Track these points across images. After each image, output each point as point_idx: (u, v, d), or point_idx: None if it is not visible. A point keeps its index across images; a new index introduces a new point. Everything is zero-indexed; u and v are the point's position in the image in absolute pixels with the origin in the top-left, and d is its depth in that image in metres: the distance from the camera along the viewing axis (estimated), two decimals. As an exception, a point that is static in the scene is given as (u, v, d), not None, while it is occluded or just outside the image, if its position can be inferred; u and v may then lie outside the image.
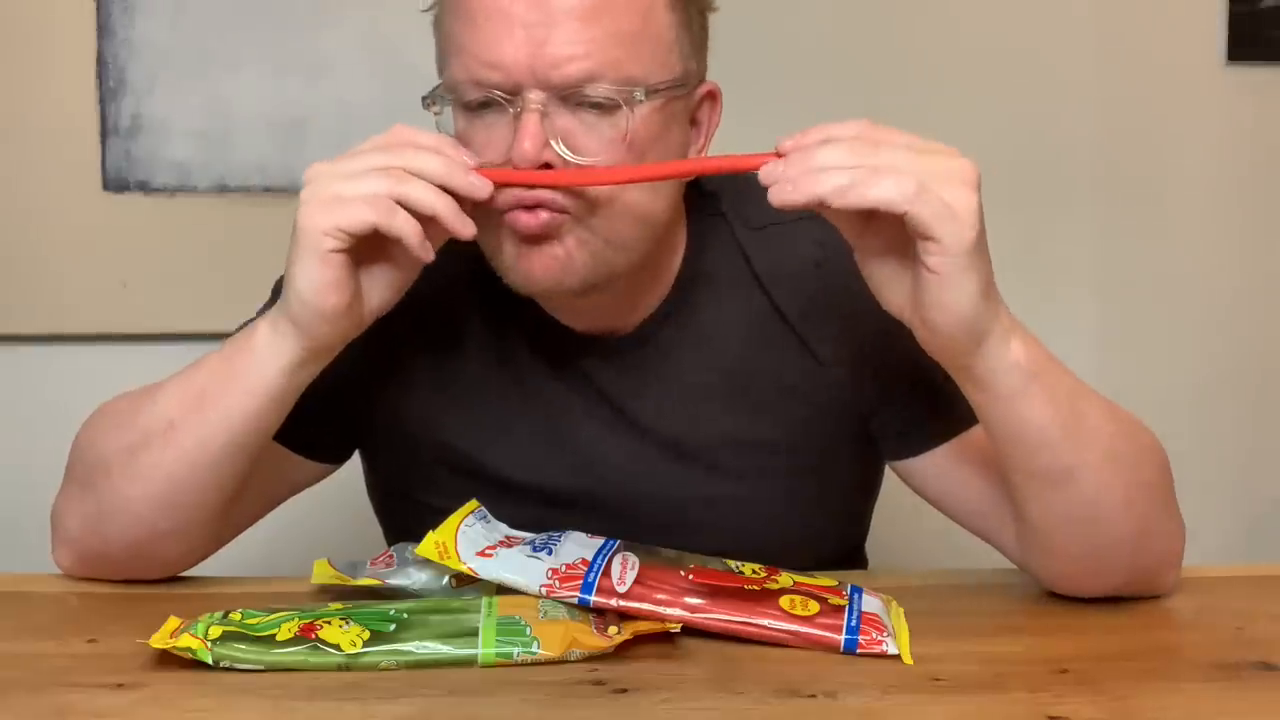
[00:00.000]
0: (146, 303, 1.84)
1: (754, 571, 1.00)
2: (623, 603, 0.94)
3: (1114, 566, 1.02)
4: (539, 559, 0.98)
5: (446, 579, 1.00)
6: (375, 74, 1.79)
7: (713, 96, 1.07)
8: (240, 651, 0.90)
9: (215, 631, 0.90)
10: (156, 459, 1.01)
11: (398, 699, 0.86)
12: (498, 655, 0.90)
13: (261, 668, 0.89)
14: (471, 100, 0.99)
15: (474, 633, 0.91)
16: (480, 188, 0.96)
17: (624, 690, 0.87)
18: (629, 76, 0.97)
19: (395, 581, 1.00)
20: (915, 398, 1.07)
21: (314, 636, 0.90)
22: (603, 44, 0.96)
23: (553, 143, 0.97)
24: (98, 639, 0.96)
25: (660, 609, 0.94)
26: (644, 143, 0.99)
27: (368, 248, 0.97)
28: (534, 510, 1.09)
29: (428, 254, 0.97)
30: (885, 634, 0.94)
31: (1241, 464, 2.01)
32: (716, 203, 1.12)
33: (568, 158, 0.97)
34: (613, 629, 0.93)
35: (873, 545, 1.27)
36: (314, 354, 1.00)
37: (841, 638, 0.94)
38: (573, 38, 0.96)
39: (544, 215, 0.98)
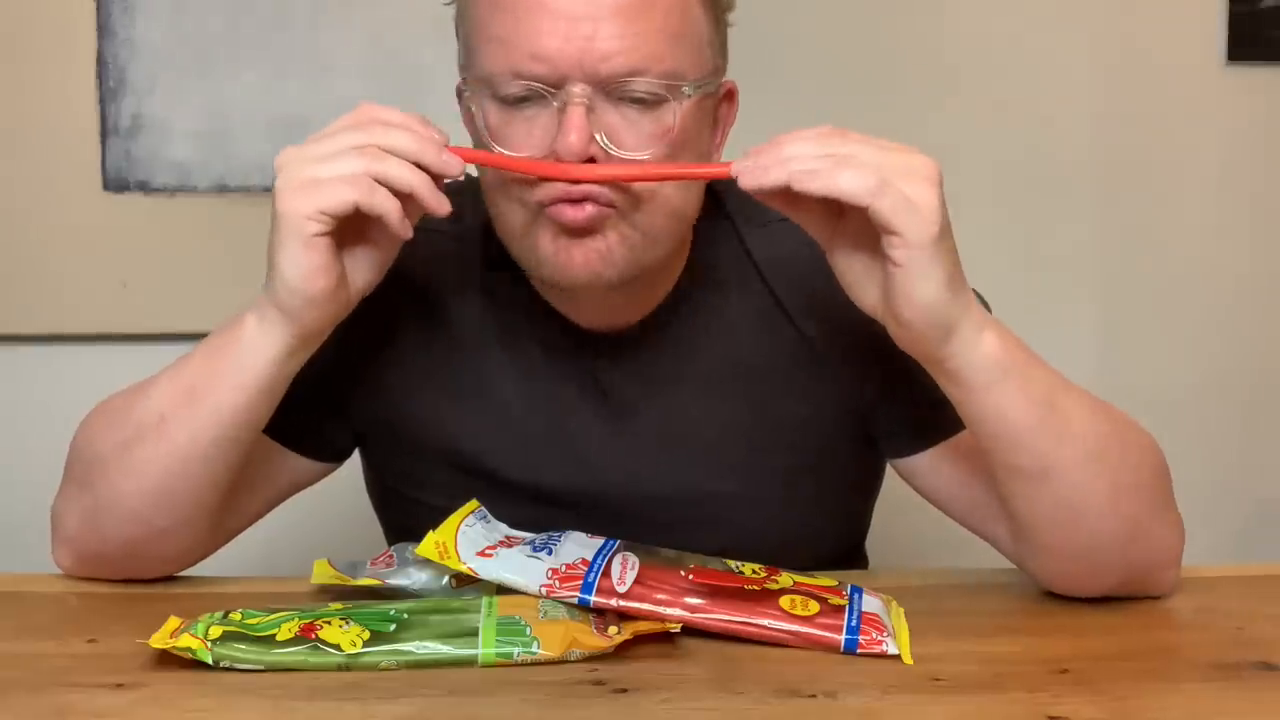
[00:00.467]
0: (146, 303, 1.84)
1: (754, 571, 1.00)
2: (623, 603, 0.94)
3: (1105, 566, 1.02)
4: (539, 559, 0.98)
5: (446, 579, 1.00)
6: (375, 74, 1.80)
7: (730, 95, 1.08)
8: (240, 651, 0.90)
9: (215, 631, 0.90)
10: (149, 453, 1.01)
11: (398, 699, 0.86)
12: (498, 655, 0.90)
13: (261, 668, 0.89)
14: (510, 93, 0.98)
15: (474, 633, 0.91)
16: (453, 165, 0.96)
17: (624, 690, 0.87)
18: (672, 71, 0.98)
19: (395, 581, 1.00)
20: (913, 396, 1.07)
21: (314, 636, 0.90)
22: (649, 38, 0.97)
23: (597, 136, 0.97)
24: (98, 639, 0.96)
25: (660, 609, 0.94)
26: (684, 138, 0.99)
27: (347, 229, 0.96)
28: (533, 506, 1.09)
29: (407, 231, 0.97)
30: (885, 634, 0.94)
31: (1241, 464, 2.01)
32: (721, 201, 1.12)
33: (612, 152, 0.97)
34: (613, 629, 0.93)
35: (873, 545, 1.27)
36: (303, 341, 0.99)
37: (841, 638, 0.94)
38: (620, 31, 0.96)
39: (590, 209, 0.98)
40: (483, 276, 1.12)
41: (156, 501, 1.02)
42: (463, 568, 0.97)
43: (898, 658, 0.93)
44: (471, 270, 1.12)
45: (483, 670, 0.90)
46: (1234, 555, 1.82)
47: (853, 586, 1.00)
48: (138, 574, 1.08)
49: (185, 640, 0.90)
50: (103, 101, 1.82)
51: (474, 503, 1.05)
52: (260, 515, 1.14)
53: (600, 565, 0.97)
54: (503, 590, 0.97)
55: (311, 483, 1.16)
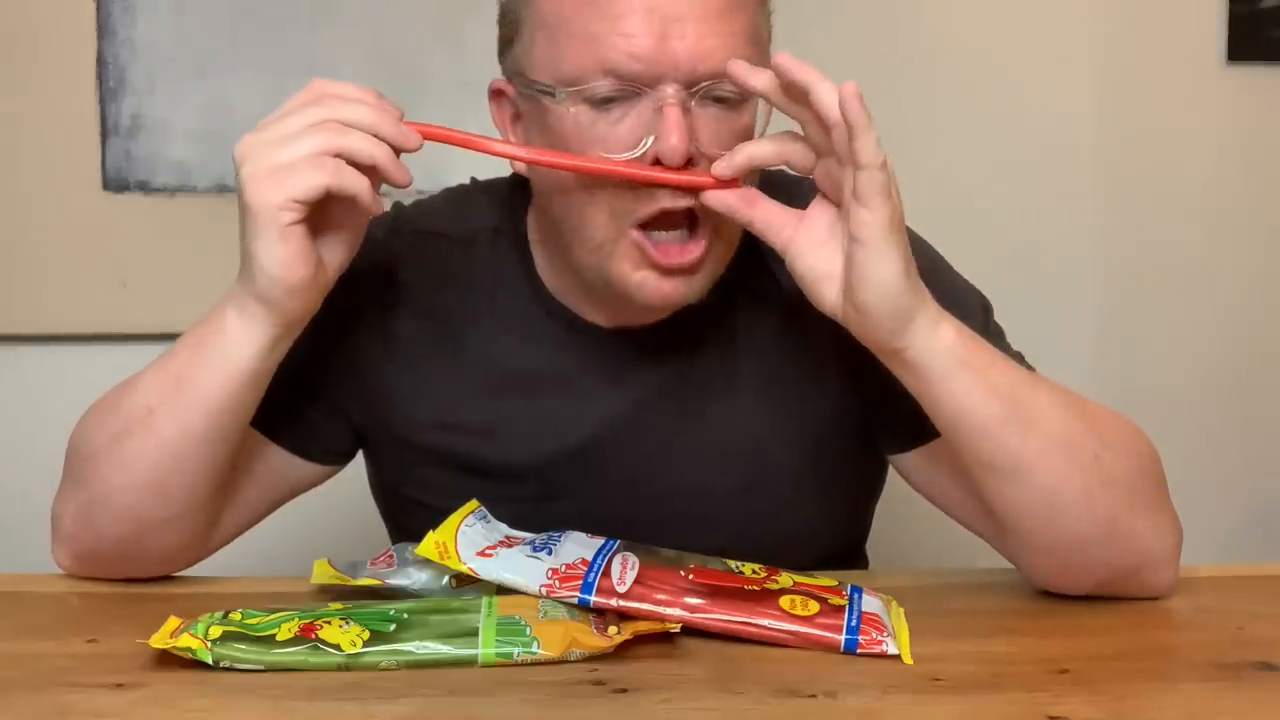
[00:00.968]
0: (146, 303, 1.84)
1: (754, 571, 1.00)
2: (623, 603, 0.94)
3: (1084, 563, 1.02)
4: (539, 559, 0.98)
5: (446, 579, 1.00)
6: (375, 74, 1.79)
7: None
8: (240, 651, 0.90)
9: (215, 631, 0.90)
10: (138, 447, 1.01)
11: (398, 699, 0.86)
12: (498, 655, 0.90)
13: (261, 668, 0.89)
14: (599, 93, 0.98)
15: (474, 633, 0.91)
16: (411, 137, 0.96)
17: (624, 690, 0.87)
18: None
19: (395, 581, 1.00)
20: (908, 393, 1.07)
21: (314, 636, 0.90)
22: (738, 39, 0.98)
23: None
24: (98, 639, 0.96)
25: (660, 609, 0.94)
26: (753, 137, 1.01)
27: (316, 210, 0.96)
28: (534, 503, 1.09)
29: (379, 206, 0.97)
30: (885, 634, 0.94)
31: (1241, 463, 2.01)
32: None
33: (705, 152, 0.98)
34: (613, 629, 0.93)
35: (873, 545, 1.27)
36: (286, 329, 1.00)
37: (841, 638, 0.94)
38: (716, 30, 0.97)
39: (695, 251, 1.00)
40: (489, 277, 1.12)
41: (147, 494, 1.02)
42: (463, 568, 0.97)
43: (898, 658, 0.93)
44: (477, 272, 1.13)
45: (483, 670, 0.90)
46: (1234, 555, 1.82)
47: (853, 586, 1.00)
48: (134, 572, 1.08)
49: (185, 640, 0.90)
50: (103, 101, 1.82)
51: (474, 503, 1.05)
52: (258, 518, 1.14)
53: (600, 565, 0.97)
54: (503, 590, 0.97)
55: (311, 485, 1.16)
